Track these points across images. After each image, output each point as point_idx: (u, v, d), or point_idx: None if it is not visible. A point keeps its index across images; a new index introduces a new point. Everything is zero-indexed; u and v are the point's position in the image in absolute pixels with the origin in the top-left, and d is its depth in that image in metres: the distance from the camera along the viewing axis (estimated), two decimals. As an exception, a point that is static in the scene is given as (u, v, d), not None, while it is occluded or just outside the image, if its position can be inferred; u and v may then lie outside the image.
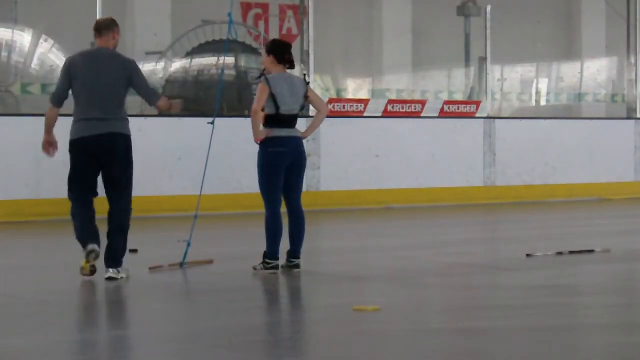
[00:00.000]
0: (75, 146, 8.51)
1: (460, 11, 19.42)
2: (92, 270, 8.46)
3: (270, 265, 8.77)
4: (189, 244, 9.28)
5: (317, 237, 13.05)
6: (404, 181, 16.10)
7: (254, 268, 8.84)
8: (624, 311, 7.29)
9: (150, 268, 8.98)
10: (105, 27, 8.78)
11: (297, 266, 8.87)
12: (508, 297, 7.76)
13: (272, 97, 8.70)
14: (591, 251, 10.05)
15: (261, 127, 8.78)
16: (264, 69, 8.92)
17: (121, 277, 8.51)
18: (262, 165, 8.80)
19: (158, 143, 14.37)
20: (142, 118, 15.22)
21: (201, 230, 13.03)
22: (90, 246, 8.41)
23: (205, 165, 9.79)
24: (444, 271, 9.10)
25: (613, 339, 6.25)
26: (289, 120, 8.81)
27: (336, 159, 15.57)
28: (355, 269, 9.30)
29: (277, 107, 8.72)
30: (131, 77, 8.56)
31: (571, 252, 9.96)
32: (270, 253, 8.77)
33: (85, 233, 8.48)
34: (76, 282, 8.72)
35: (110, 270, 8.49)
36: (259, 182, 8.84)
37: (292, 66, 8.93)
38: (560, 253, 9.91)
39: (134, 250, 10.19)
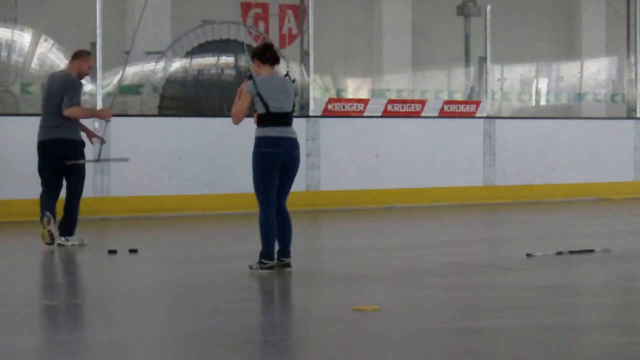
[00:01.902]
0: (38, 147, 10.77)
1: (460, 11, 19.41)
2: (51, 238, 10.51)
3: (266, 265, 8.78)
4: (103, 142, 11.09)
5: (317, 237, 13.06)
6: (404, 181, 16.10)
7: (250, 267, 8.86)
8: (624, 311, 7.29)
9: (68, 164, 10.55)
10: (72, 56, 10.98)
11: (289, 265, 8.88)
12: (508, 297, 7.76)
13: (260, 97, 8.76)
14: (591, 251, 10.05)
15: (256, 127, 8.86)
16: (250, 73, 9.00)
17: (72, 244, 10.55)
18: (256, 166, 8.83)
19: (158, 143, 14.37)
20: (142, 118, 15.24)
21: (201, 230, 13.06)
22: (45, 214, 10.60)
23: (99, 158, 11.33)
24: (444, 271, 9.10)
25: (613, 339, 6.25)
26: (282, 119, 8.83)
27: (336, 159, 15.57)
28: (355, 269, 9.30)
29: (266, 105, 8.76)
30: (63, 92, 10.60)
31: (571, 252, 9.96)
32: (267, 253, 8.78)
33: (44, 204, 10.60)
34: (76, 282, 8.73)
35: (62, 238, 10.56)
36: (254, 183, 8.87)
37: (275, 61, 8.97)
38: (560, 253, 9.91)
39: (134, 250, 10.21)
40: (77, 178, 10.74)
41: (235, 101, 8.89)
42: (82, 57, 10.88)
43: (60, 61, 16.34)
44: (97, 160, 11.29)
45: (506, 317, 6.89)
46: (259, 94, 8.76)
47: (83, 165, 10.79)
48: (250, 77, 8.88)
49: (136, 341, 6.21)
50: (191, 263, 9.82)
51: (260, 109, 8.79)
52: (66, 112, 10.56)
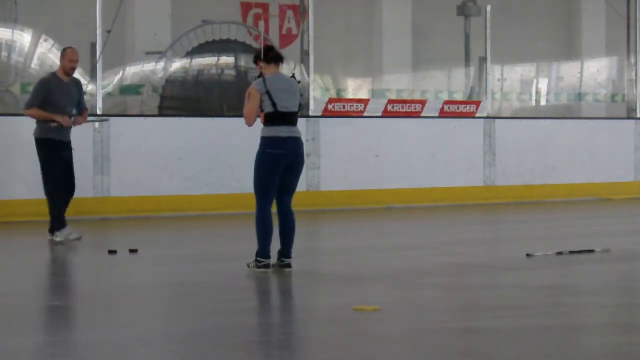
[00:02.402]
0: None
1: (460, 11, 19.41)
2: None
3: (262, 263, 8.79)
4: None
5: (317, 237, 13.05)
6: (404, 181, 16.10)
7: (248, 265, 8.87)
8: (624, 311, 7.29)
9: (51, 125, 10.94)
10: None
11: (289, 265, 8.89)
12: (508, 297, 7.76)
13: (269, 95, 8.77)
14: (591, 251, 10.05)
15: (262, 126, 8.86)
16: (261, 71, 9.01)
17: (59, 241, 10.93)
18: (259, 165, 8.84)
19: (158, 143, 14.37)
20: (142, 118, 15.24)
21: (201, 230, 13.06)
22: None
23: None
24: (444, 271, 9.10)
25: (613, 339, 6.25)
26: (289, 118, 8.84)
27: (336, 159, 15.57)
28: (355, 269, 9.30)
29: (274, 104, 8.77)
30: None
31: (571, 252, 9.96)
32: (262, 252, 8.79)
33: None
34: (76, 282, 8.73)
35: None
36: (254, 181, 8.88)
37: (279, 60, 8.98)
38: (560, 253, 9.91)
39: (134, 250, 10.21)
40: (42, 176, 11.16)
41: (245, 103, 8.88)
42: (61, 55, 11.28)
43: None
44: (73, 123, 11.23)
45: (506, 317, 6.89)
46: (267, 92, 8.78)
47: (43, 163, 11.04)
48: (260, 76, 8.91)
49: (136, 341, 6.21)
50: (191, 263, 9.83)
51: (268, 108, 8.80)
52: (25, 113, 11.19)
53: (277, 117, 8.79)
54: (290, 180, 8.91)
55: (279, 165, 8.79)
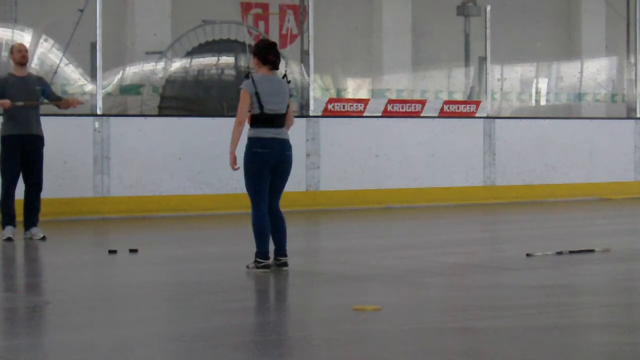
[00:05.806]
0: None
1: (460, 11, 19.42)
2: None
3: (261, 264, 8.79)
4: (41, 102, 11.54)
5: (317, 237, 13.06)
6: (404, 181, 16.10)
7: (247, 267, 8.87)
8: (624, 311, 7.29)
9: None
10: None
11: (285, 264, 8.89)
12: (508, 297, 7.76)
13: (257, 97, 8.75)
14: (591, 251, 10.05)
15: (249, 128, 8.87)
16: (249, 70, 8.99)
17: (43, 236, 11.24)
18: (248, 166, 8.86)
19: (158, 143, 14.37)
20: (142, 118, 15.24)
21: (201, 230, 13.05)
22: None
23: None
24: (444, 271, 9.10)
25: (613, 339, 6.25)
26: (275, 121, 8.83)
27: (336, 159, 15.57)
28: (355, 269, 9.30)
29: (261, 106, 8.76)
30: None
31: (571, 252, 9.96)
32: (261, 253, 8.79)
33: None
34: (75, 281, 8.73)
35: (34, 228, 11.34)
36: (245, 183, 8.92)
37: (274, 67, 8.94)
38: (560, 253, 9.91)
39: (134, 250, 10.21)
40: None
41: (239, 109, 8.86)
42: (10, 52, 11.71)
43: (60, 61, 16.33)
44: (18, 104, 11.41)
45: (506, 317, 6.89)
46: (257, 94, 8.77)
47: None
48: (247, 76, 8.87)
49: (136, 341, 6.21)
50: (191, 263, 9.83)
51: (255, 110, 8.80)
52: None
53: (263, 120, 8.79)
54: (277, 182, 8.92)
55: (266, 164, 8.79)
